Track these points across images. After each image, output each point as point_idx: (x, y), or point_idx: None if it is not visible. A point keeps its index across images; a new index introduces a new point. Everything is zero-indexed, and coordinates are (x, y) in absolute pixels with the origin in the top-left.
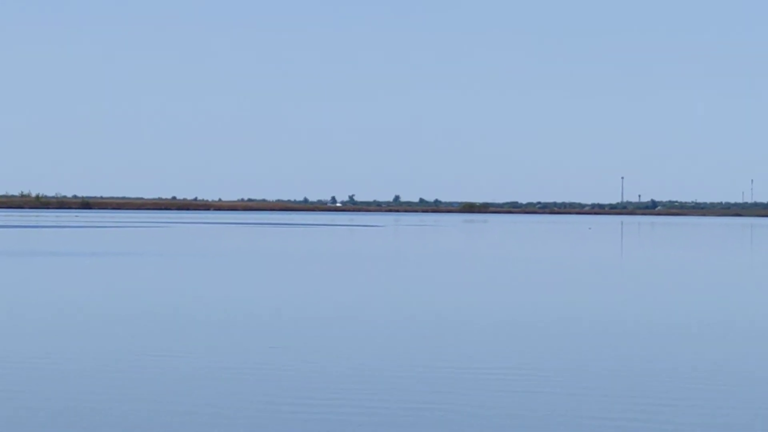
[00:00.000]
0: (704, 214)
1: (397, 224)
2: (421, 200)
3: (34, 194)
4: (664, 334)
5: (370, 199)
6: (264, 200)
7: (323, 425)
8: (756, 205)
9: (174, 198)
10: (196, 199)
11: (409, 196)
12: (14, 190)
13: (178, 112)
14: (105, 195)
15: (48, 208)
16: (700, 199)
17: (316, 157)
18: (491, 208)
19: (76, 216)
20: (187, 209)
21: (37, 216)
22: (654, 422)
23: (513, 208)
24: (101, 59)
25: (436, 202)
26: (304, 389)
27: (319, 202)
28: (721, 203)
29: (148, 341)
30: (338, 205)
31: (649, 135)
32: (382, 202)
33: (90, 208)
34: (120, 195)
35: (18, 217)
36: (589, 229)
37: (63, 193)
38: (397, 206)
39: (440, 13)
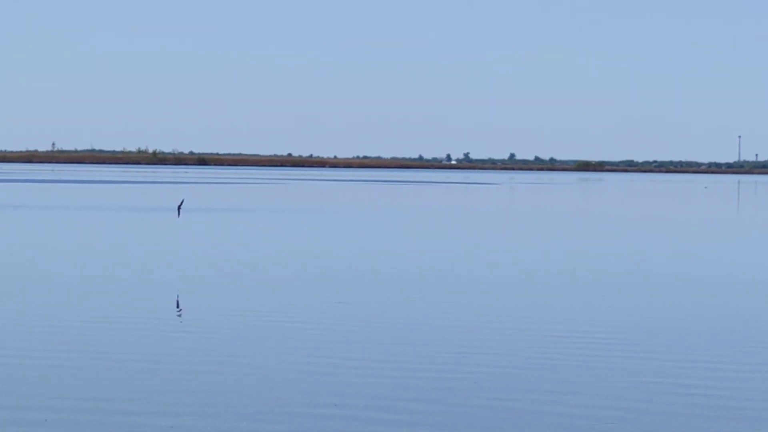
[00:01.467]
0: None
1: (512, 182)
2: (537, 158)
3: (151, 150)
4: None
5: (485, 156)
6: (379, 158)
7: (435, 382)
8: None
9: (290, 155)
10: (311, 156)
11: (525, 154)
12: (132, 146)
13: (295, 68)
14: (221, 152)
15: (165, 164)
16: None
17: (431, 115)
18: (607, 167)
19: (186, 172)
20: (303, 166)
21: (154, 172)
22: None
23: (629, 167)
24: (220, 16)
25: (552, 160)
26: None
27: (434, 159)
28: None
29: (242, 297)
30: (453, 162)
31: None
32: (497, 160)
33: (206, 165)
34: (236, 152)
35: (135, 173)
36: (705, 188)
37: (180, 150)
38: (512, 164)
39: None
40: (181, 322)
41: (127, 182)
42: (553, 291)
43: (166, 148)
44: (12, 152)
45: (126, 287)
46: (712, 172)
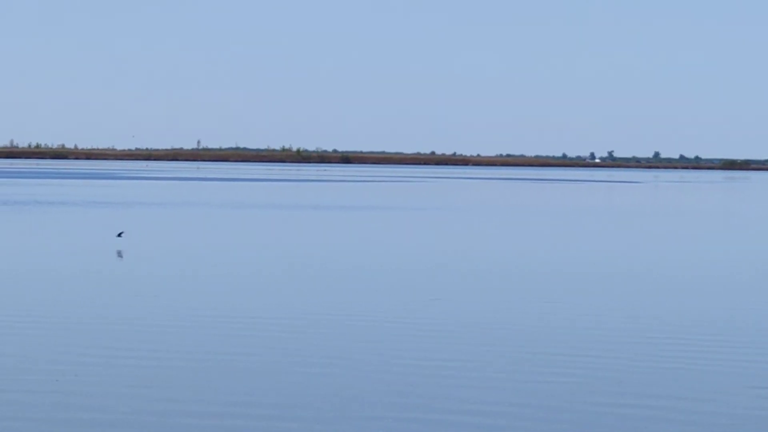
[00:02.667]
0: None
1: (656, 181)
2: (681, 156)
3: (295, 148)
4: None
5: (630, 155)
6: (522, 156)
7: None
8: None
9: (433, 153)
10: (454, 154)
11: (669, 152)
12: (276, 145)
13: (439, 67)
14: (365, 150)
15: (308, 162)
16: None
17: (574, 113)
18: (753, 165)
19: (326, 170)
20: (446, 164)
21: (297, 170)
22: None
23: None
24: (363, 16)
25: (697, 158)
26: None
27: (578, 158)
28: None
29: (350, 295)
30: (597, 161)
31: None
32: (641, 159)
33: (349, 163)
34: (379, 150)
35: (279, 171)
36: None
37: (323, 148)
38: (656, 162)
39: None
40: (291, 319)
41: (271, 180)
42: (688, 292)
43: (310, 146)
44: (158, 150)
45: (238, 284)
46: None
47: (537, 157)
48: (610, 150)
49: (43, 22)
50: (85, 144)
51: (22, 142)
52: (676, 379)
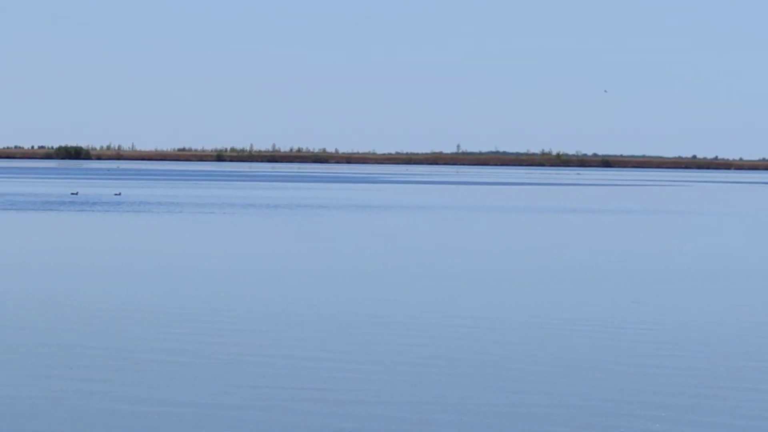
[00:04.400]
0: None
1: None
2: None
3: (554, 152)
4: None
5: None
6: None
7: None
8: None
9: (694, 157)
10: (716, 158)
11: None
12: (535, 148)
13: (697, 70)
14: (625, 153)
15: (568, 166)
16: None
17: None
18: None
19: (578, 174)
20: (707, 168)
21: (557, 174)
22: None
23: None
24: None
25: None
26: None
27: None
28: None
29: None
30: None
31: None
32: None
33: (610, 167)
34: (640, 153)
35: (538, 175)
36: None
37: (583, 152)
38: None
39: None
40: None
41: (530, 184)
42: None
43: (570, 150)
44: (418, 154)
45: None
46: None
47: None
48: None
49: (305, 30)
50: (345, 148)
51: (284, 147)
52: None
